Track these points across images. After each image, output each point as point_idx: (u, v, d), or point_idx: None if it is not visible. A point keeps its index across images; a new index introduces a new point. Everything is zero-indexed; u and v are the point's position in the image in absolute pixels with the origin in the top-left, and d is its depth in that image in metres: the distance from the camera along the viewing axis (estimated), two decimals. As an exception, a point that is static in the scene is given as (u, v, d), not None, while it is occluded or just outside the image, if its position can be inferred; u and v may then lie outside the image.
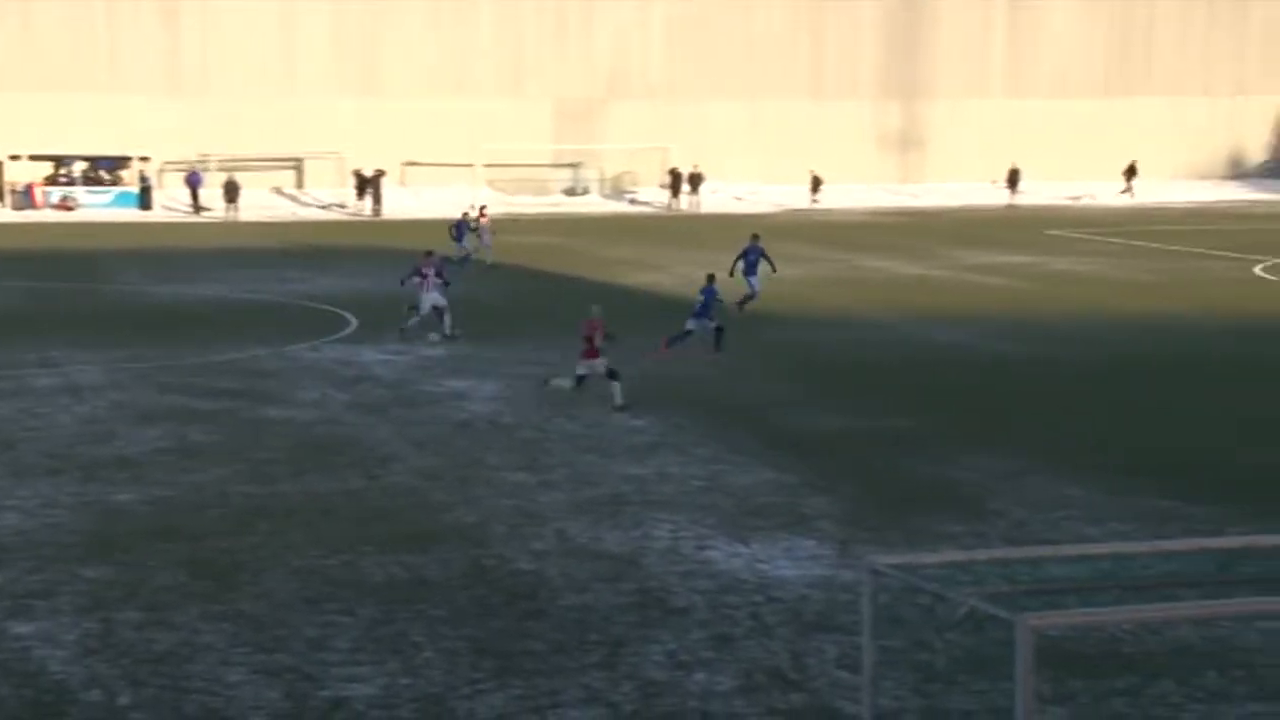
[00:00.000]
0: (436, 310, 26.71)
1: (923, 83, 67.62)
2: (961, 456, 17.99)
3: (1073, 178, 66.34)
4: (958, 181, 65.62)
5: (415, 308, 26.90)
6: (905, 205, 62.04)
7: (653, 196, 62.59)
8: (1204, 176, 68.31)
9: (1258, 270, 38.13)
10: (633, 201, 63.06)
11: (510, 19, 63.10)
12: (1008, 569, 8.31)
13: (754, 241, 30.18)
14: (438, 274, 26.86)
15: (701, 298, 25.26)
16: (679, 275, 37.73)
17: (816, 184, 61.33)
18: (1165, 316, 30.27)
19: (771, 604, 12.78)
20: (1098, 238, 47.46)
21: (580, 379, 20.90)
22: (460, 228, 39.63)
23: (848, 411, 20.87)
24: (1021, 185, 62.67)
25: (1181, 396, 21.97)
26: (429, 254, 27.44)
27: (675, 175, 61.43)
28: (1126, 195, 63.91)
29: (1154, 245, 44.85)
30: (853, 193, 62.96)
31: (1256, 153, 71.84)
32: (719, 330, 25.06)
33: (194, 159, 58.90)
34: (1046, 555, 8.78)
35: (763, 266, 29.97)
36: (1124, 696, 10.74)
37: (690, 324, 25.04)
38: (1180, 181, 66.48)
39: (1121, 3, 69.37)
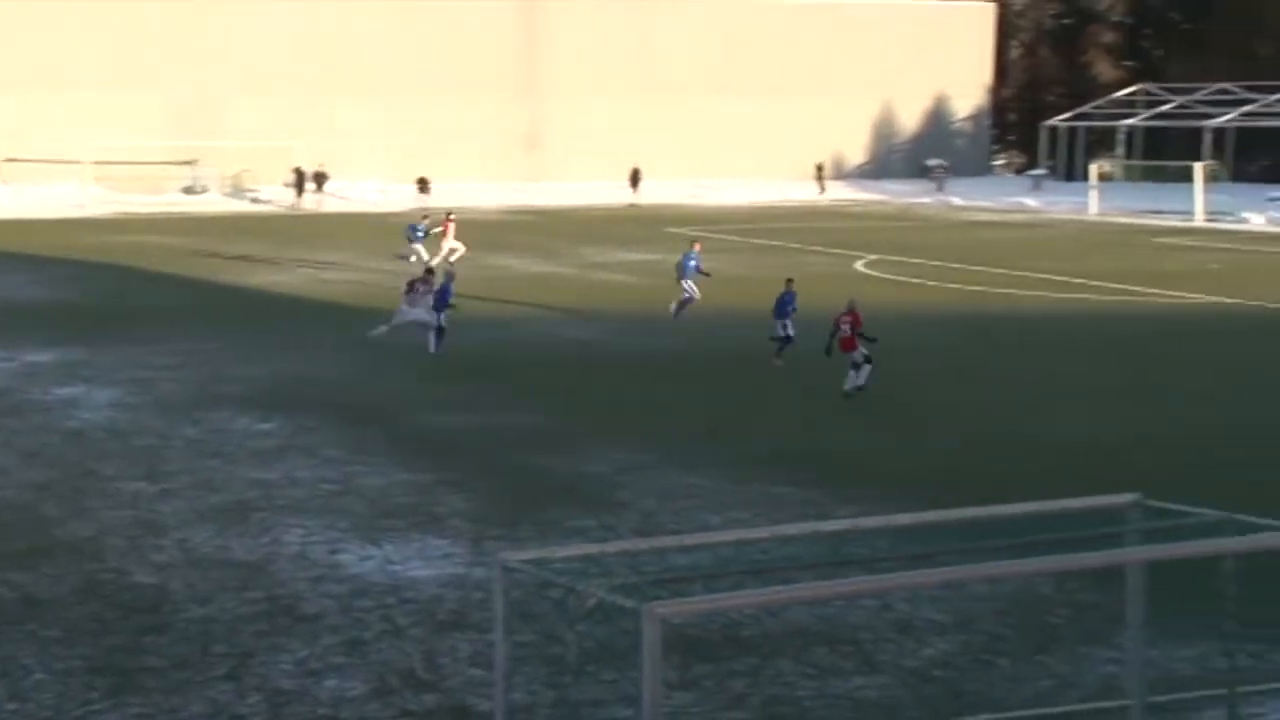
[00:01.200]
0: (422, 326, 25.37)
1: (546, 82, 68.56)
2: (592, 451, 18.34)
3: (691, 176, 68.72)
4: (582, 180, 66.88)
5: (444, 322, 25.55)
6: (532, 204, 62.72)
7: (276, 195, 61.12)
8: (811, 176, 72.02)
9: (858, 266, 40.40)
10: (255, 200, 61.41)
11: (121, 9, 60.30)
12: (635, 559, 8.51)
13: (692, 248, 30.47)
14: (430, 289, 25.77)
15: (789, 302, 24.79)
16: (301, 274, 37.02)
17: (424, 185, 60.64)
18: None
19: (404, 605, 12.71)
20: (713, 235, 49.25)
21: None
22: (413, 230, 37.84)
23: (479, 409, 20.95)
24: (642, 183, 64.37)
25: (793, 390, 23.06)
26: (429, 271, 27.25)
27: (299, 174, 60.16)
28: (818, 193, 67.64)
29: (763, 242, 46.90)
30: (481, 191, 63.19)
31: (856, 154, 76.33)
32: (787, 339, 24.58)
33: None
34: (672, 545, 9.04)
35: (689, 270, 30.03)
36: (744, 678, 11.20)
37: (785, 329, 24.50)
38: (790, 181, 69.86)
39: (728, 6, 72.24)
